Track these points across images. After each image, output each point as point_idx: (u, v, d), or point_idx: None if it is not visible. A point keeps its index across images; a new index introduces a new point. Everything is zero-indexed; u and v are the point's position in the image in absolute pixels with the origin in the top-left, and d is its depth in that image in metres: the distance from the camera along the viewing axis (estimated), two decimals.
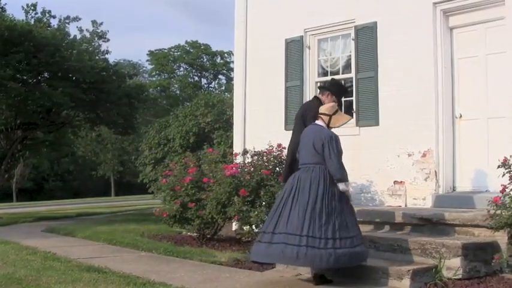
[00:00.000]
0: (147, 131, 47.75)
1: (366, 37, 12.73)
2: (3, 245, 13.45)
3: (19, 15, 26.68)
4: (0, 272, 9.58)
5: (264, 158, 11.90)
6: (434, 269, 8.43)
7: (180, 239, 13.54)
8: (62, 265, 10.29)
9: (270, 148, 11.98)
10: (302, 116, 9.71)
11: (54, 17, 27.37)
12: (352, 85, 12.77)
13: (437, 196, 11.36)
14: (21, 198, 60.88)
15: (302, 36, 13.88)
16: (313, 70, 13.81)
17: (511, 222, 8.03)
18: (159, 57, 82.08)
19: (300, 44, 13.91)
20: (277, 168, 11.80)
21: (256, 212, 11.13)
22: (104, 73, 26.75)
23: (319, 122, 8.99)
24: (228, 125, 34.47)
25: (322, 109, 9.09)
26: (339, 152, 8.67)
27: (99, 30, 28.33)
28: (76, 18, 27.58)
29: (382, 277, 8.39)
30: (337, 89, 9.91)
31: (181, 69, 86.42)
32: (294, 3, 14.14)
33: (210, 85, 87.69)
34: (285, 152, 11.62)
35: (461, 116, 11.51)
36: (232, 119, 15.88)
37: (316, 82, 13.69)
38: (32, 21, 26.43)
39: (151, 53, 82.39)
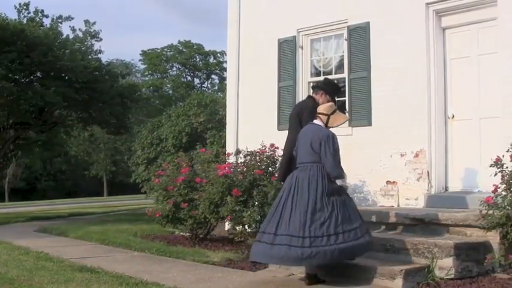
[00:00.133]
0: (139, 131, 47.71)
1: (358, 37, 12.75)
2: None
3: (11, 15, 26.62)
4: None
5: (257, 158, 11.90)
6: (426, 269, 8.44)
7: (173, 239, 13.53)
8: (54, 265, 10.27)
9: (263, 148, 11.98)
10: (297, 115, 9.73)
11: (46, 16, 27.40)
12: (344, 85, 12.78)
13: (429, 196, 11.38)
14: (14, 198, 60.86)
15: (295, 36, 13.88)
16: (306, 70, 13.83)
17: (503, 222, 8.05)
18: (151, 57, 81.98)
19: (292, 44, 13.92)
20: (270, 168, 11.80)
21: (249, 212, 11.12)
22: (97, 73, 26.75)
23: (317, 121, 9.00)
24: (220, 125, 34.49)
25: (321, 109, 9.11)
26: (335, 151, 8.68)
27: (91, 30, 28.36)
28: (68, 18, 27.61)
29: (374, 277, 8.40)
30: (331, 89, 9.93)
31: (174, 69, 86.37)
32: (287, 3, 14.15)
33: (203, 85, 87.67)
34: (278, 152, 11.67)
35: (453, 116, 11.53)
36: (225, 118, 15.88)
37: (309, 82, 13.71)
38: (25, 21, 26.44)
39: (144, 53, 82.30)
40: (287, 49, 14.03)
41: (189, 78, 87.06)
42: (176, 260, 11.03)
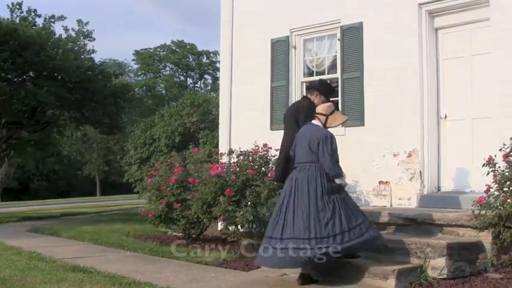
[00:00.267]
0: (132, 131, 47.66)
1: (351, 37, 12.76)
2: None
3: (4, 14, 26.63)
4: None
5: (250, 158, 11.89)
6: (419, 269, 8.45)
7: (166, 239, 13.53)
8: (46, 265, 10.26)
9: (256, 148, 11.97)
10: (293, 115, 9.73)
11: (39, 16, 27.40)
12: (337, 85, 12.78)
13: (422, 196, 11.40)
14: (6, 198, 60.57)
15: (288, 36, 13.89)
16: (299, 70, 13.83)
17: (495, 222, 8.06)
18: (144, 57, 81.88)
19: (286, 44, 13.92)
20: (263, 168, 11.79)
21: (242, 212, 11.12)
22: (90, 72, 26.75)
23: (315, 121, 9.03)
24: (213, 125, 34.48)
25: (319, 109, 9.13)
26: (333, 151, 8.70)
27: (84, 30, 28.34)
28: (61, 17, 27.62)
29: (367, 277, 8.41)
30: (325, 89, 9.95)
31: (167, 68, 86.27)
32: (280, 3, 14.15)
33: (196, 85, 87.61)
34: (271, 151, 11.68)
35: (446, 116, 11.55)
36: (218, 118, 15.86)
37: (302, 82, 13.73)
38: (17, 20, 26.41)
39: (137, 53, 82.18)
40: (280, 49, 14.03)
41: (182, 78, 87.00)
42: (169, 260, 11.02)
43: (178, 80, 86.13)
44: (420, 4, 11.70)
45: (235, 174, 11.63)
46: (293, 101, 13.45)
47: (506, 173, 8.14)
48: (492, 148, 8.84)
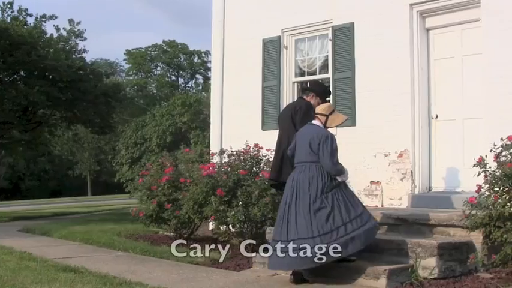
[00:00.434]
0: (123, 130, 47.68)
1: (343, 37, 12.78)
2: None
3: None
4: None
5: (241, 158, 11.88)
6: (410, 269, 8.46)
7: (157, 239, 13.51)
8: (37, 265, 10.23)
9: (247, 148, 11.97)
10: (290, 116, 9.72)
11: (30, 15, 27.31)
12: (329, 85, 12.77)
13: (413, 196, 11.42)
14: None
15: (279, 36, 13.90)
16: (290, 70, 13.84)
17: (486, 222, 8.09)
18: (136, 56, 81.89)
19: (277, 44, 13.93)
20: (254, 168, 11.79)
21: (233, 212, 11.12)
22: (81, 72, 26.72)
23: (315, 121, 9.04)
24: (205, 125, 34.52)
25: (319, 109, 9.14)
26: (333, 150, 8.70)
27: (76, 29, 28.26)
28: (52, 17, 27.53)
29: (358, 277, 8.41)
30: (321, 90, 9.96)
31: (159, 68, 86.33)
32: (272, 3, 14.15)
33: (187, 85, 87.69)
34: (262, 151, 11.69)
35: (437, 116, 11.57)
36: (209, 118, 15.86)
37: (294, 82, 13.75)
38: (8, 20, 26.32)
39: (128, 52, 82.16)
40: (271, 49, 14.04)
41: (173, 77, 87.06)
42: (160, 259, 11.01)
43: (169, 79, 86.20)
44: (412, 4, 11.73)
45: (226, 174, 11.62)
46: (284, 101, 13.51)
47: (497, 173, 8.16)
48: (483, 148, 8.87)
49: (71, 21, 28.29)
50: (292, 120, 9.60)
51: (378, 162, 11.97)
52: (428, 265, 8.47)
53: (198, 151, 17.54)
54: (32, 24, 26.93)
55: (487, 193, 8.21)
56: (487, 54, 10.72)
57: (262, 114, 14.02)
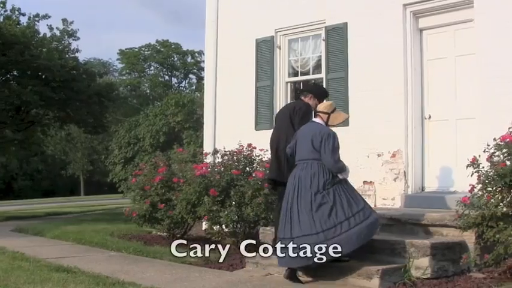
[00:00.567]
0: (117, 130, 47.60)
1: (336, 38, 12.78)
2: None
3: None
4: None
5: (234, 157, 11.88)
6: (403, 269, 8.47)
7: (150, 239, 13.51)
8: (30, 265, 10.21)
9: (240, 148, 11.97)
10: (289, 116, 9.72)
11: (23, 14, 27.23)
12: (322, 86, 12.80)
13: (406, 196, 11.44)
14: None
15: (273, 36, 13.90)
16: (283, 70, 13.84)
17: (478, 222, 8.10)
18: (129, 56, 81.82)
19: (270, 44, 13.93)
20: (247, 168, 11.80)
21: (226, 212, 11.13)
22: (74, 72, 26.67)
23: (317, 119, 9.10)
24: (198, 125, 34.49)
25: (321, 107, 9.21)
26: (335, 148, 8.76)
27: (69, 29, 28.20)
28: (46, 16, 27.48)
29: (351, 276, 8.42)
30: (319, 92, 9.97)
31: (152, 68, 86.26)
32: (265, 3, 14.14)
33: (181, 84, 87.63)
34: (255, 151, 11.69)
35: (430, 116, 11.59)
36: (203, 118, 15.85)
37: (287, 82, 13.76)
38: (1, 19, 26.25)
39: (121, 52, 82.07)
40: (265, 49, 14.04)
41: (166, 77, 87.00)
42: (153, 259, 11.00)
43: (162, 79, 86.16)
44: (405, 5, 11.74)
45: (219, 174, 11.63)
46: (278, 101, 13.54)
47: (490, 173, 8.17)
48: (476, 148, 8.88)
49: (64, 20, 28.24)
50: (290, 120, 9.61)
51: (371, 162, 11.98)
52: (421, 265, 8.49)
53: (191, 151, 17.51)
54: (25, 24, 26.87)
55: (480, 193, 8.22)
56: (480, 55, 10.73)
57: (256, 114, 14.02)
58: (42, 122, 28.36)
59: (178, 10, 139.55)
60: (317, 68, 13.39)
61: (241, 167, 11.75)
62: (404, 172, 11.58)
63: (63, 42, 28.10)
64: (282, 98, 13.66)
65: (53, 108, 26.77)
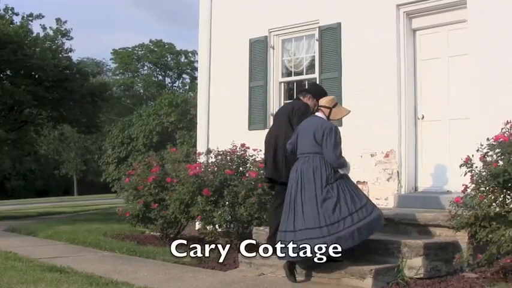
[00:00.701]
0: (110, 130, 47.54)
1: (330, 38, 12.79)
2: None
3: None
4: None
5: (228, 157, 11.89)
6: (396, 269, 8.48)
7: (143, 239, 13.50)
8: (23, 265, 10.18)
9: (234, 148, 11.97)
10: (287, 115, 9.73)
11: (17, 14, 27.20)
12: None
13: (399, 196, 11.45)
14: None
15: (266, 36, 13.90)
16: (277, 70, 13.85)
17: (471, 222, 8.11)
18: (123, 56, 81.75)
19: (264, 44, 13.93)
20: (241, 168, 11.80)
21: (220, 212, 11.13)
22: (67, 71, 26.63)
23: (319, 114, 9.11)
24: (191, 125, 34.48)
25: (322, 102, 9.23)
26: (336, 143, 8.75)
27: (62, 28, 28.16)
28: (39, 16, 27.45)
29: (344, 276, 8.43)
30: (318, 92, 9.98)
31: (145, 68, 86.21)
32: (259, 3, 14.14)
33: (174, 84, 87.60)
34: (249, 151, 11.70)
35: (423, 117, 11.60)
36: (196, 118, 15.85)
37: (280, 82, 13.77)
38: None
39: (115, 52, 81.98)
40: (258, 49, 14.04)
41: (160, 77, 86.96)
42: (146, 259, 11.00)
43: (156, 79, 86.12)
44: (398, 5, 11.75)
45: (213, 174, 11.63)
46: (271, 101, 13.55)
47: (483, 173, 8.19)
48: (469, 148, 8.89)
49: (57, 20, 28.21)
50: (289, 120, 9.62)
51: (365, 162, 11.99)
52: (414, 265, 8.50)
53: (185, 151, 17.50)
54: (18, 23, 26.82)
55: (473, 193, 8.23)
56: (473, 55, 10.75)
57: (249, 114, 14.02)
58: (36, 122, 28.32)
59: (171, 10, 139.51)
60: (310, 68, 13.40)
61: (234, 167, 11.76)
62: (398, 172, 11.59)
63: (56, 41, 28.06)
64: (275, 98, 13.68)
65: (46, 108, 26.73)
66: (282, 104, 13.22)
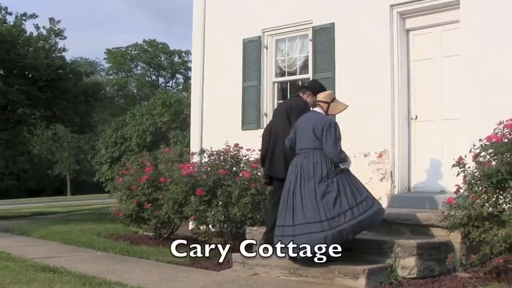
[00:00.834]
0: (103, 130, 47.49)
1: (323, 38, 12.80)
2: None
3: None
4: None
5: (221, 157, 11.89)
6: (389, 269, 8.48)
7: (137, 239, 13.49)
8: (16, 265, 10.16)
9: (227, 148, 11.97)
10: (286, 112, 9.74)
11: (10, 13, 27.15)
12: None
13: (392, 196, 11.47)
14: None
15: (260, 36, 13.91)
16: (270, 70, 13.86)
17: (464, 223, 8.12)
18: (116, 56, 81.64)
19: (257, 44, 13.94)
20: (234, 168, 11.80)
21: (213, 212, 11.12)
22: (61, 71, 26.60)
23: (317, 109, 9.14)
24: (185, 125, 34.47)
25: (321, 96, 9.25)
26: (336, 138, 8.78)
27: (56, 28, 28.11)
28: (33, 16, 27.39)
29: (337, 276, 8.42)
30: (317, 89, 9.98)
31: (139, 67, 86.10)
32: (252, 3, 14.15)
33: (168, 84, 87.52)
34: (242, 151, 11.70)
35: (416, 117, 11.62)
36: (189, 118, 15.84)
37: (274, 82, 13.78)
38: None
39: (108, 51, 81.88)
40: (252, 49, 14.05)
41: (153, 77, 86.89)
42: (140, 259, 10.99)
43: (149, 79, 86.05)
44: (392, 5, 11.77)
45: (206, 174, 11.62)
46: (265, 101, 13.56)
47: (476, 174, 8.20)
48: (462, 149, 8.90)
49: (51, 20, 28.16)
50: (287, 117, 9.64)
51: (358, 162, 11.96)
52: (407, 265, 8.50)
53: (178, 151, 17.51)
54: (11, 23, 26.77)
55: (466, 193, 8.24)
56: (467, 56, 10.77)
57: (243, 114, 14.02)
58: (29, 122, 28.26)
59: (165, 10, 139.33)
60: (304, 68, 13.41)
61: (228, 166, 11.75)
62: (391, 172, 11.61)
63: (49, 41, 28.01)
64: (268, 98, 13.68)
65: (39, 108, 26.69)
66: (276, 105, 13.24)
